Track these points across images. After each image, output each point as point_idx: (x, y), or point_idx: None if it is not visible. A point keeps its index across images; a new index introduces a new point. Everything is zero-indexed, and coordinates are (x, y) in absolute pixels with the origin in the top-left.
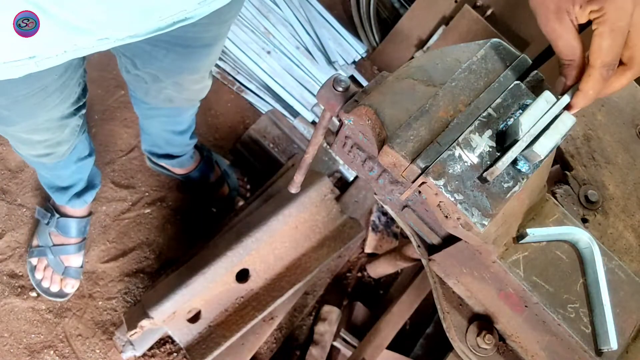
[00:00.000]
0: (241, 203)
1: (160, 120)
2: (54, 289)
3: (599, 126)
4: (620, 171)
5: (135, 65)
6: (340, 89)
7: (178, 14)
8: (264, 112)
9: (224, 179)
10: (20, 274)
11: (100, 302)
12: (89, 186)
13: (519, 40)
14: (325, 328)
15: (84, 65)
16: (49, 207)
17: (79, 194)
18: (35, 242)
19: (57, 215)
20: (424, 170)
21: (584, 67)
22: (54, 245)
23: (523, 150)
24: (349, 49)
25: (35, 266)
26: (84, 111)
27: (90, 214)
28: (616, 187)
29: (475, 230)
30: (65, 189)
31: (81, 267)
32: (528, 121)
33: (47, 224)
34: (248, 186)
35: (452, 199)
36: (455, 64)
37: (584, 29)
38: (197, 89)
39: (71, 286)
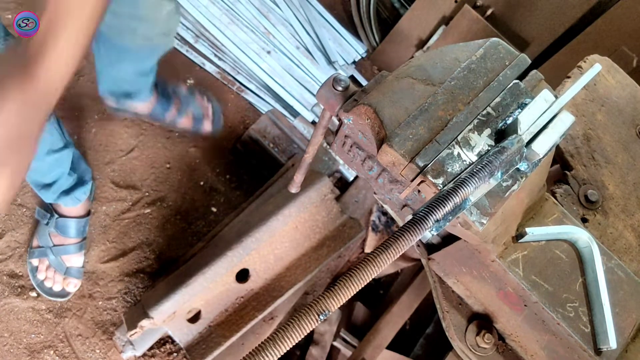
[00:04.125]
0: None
1: (130, 62)
2: (57, 288)
3: (599, 126)
4: (620, 171)
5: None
6: (339, 88)
7: None
8: (264, 112)
9: (186, 107)
10: (20, 274)
11: (100, 302)
12: (79, 183)
13: (519, 40)
14: (325, 328)
15: None
16: (49, 208)
17: (67, 191)
18: (35, 243)
19: (56, 216)
20: (422, 169)
21: None
22: (55, 245)
23: None
24: (349, 49)
25: (37, 267)
26: None
27: (88, 213)
28: (616, 186)
29: (474, 229)
30: (49, 185)
31: (82, 267)
32: (527, 119)
33: (47, 224)
34: (210, 110)
35: None
36: (454, 63)
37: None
38: (163, 16)
39: (74, 285)
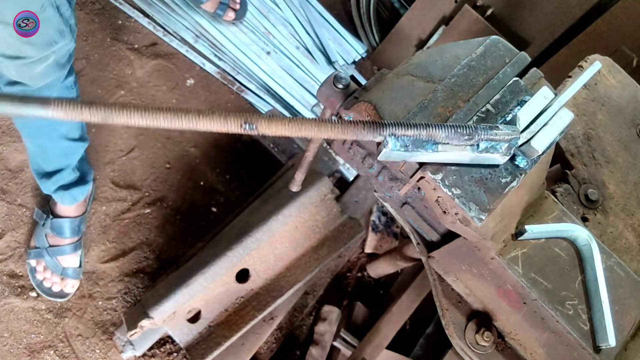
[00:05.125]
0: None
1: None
2: (56, 288)
3: (599, 125)
4: (620, 170)
5: None
6: (340, 86)
7: None
8: (264, 112)
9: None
10: (20, 274)
11: (100, 302)
12: (79, 181)
13: (519, 40)
14: (325, 328)
15: None
16: (46, 209)
17: (66, 186)
18: (32, 244)
19: (51, 217)
20: (421, 165)
21: None
22: (50, 246)
23: (521, 146)
24: (349, 49)
25: (35, 268)
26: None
27: (83, 213)
28: (616, 186)
29: (473, 225)
30: (50, 174)
31: (79, 266)
32: (526, 116)
33: (43, 225)
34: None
35: (450, 194)
36: (454, 60)
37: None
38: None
39: (71, 286)
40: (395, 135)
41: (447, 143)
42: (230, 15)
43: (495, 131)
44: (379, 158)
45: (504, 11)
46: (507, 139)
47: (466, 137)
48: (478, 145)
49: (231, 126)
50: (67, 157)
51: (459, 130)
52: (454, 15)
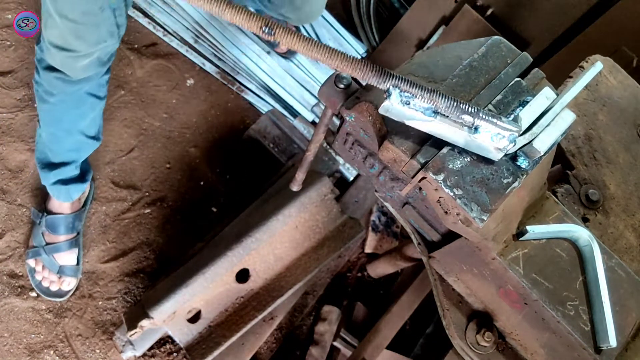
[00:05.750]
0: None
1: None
2: (54, 287)
3: (600, 126)
4: (621, 171)
5: None
6: (341, 85)
7: None
8: (264, 112)
9: None
10: (20, 274)
11: (100, 302)
12: (78, 178)
13: (519, 40)
14: (325, 328)
15: None
16: (42, 208)
17: (65, 182)
18: (31, 243)
19: (45, 214)
20: (423, 165)
21: None
22: (47, 244)
23: (523, 147)
24: (349, 49)
25: (34, 268)
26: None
27: (77, 210)
28: (617, 186)
29: (475, 226)
30: (54, 166)
31: (77, 264)
32: (528, 116)
33: (39, 223)
34: None
35: (452, 194)
36: (456, 60)
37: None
38: None
39: (67, 283)
40: (399, 88)
41: (447, 116)
42: None
43: (496, 120)
44: (379, 110)
45: (504, 11)
46: (506, 133)
47: (466, 114)
48: (476, 128)
49: (252, 25)
50: (76, 152)
51: (460, 105)
52: (454, 15)
